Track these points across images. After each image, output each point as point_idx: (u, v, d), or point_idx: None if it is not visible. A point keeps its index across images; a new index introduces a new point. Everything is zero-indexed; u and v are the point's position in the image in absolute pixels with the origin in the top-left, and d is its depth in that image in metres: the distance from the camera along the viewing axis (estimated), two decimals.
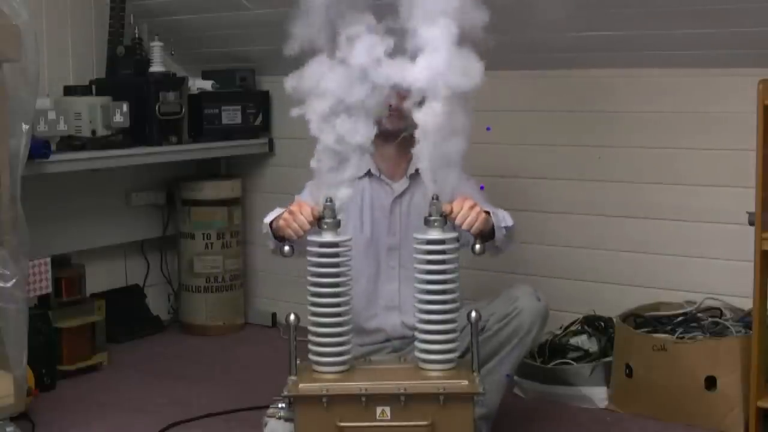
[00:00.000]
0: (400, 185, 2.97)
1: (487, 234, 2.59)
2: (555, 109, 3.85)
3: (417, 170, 2.84)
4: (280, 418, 2.53)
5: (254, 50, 4.34)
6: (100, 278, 4.26)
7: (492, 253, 2.78)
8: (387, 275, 2.96)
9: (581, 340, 3.62)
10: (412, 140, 2.83)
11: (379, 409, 2.41)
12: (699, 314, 3.46)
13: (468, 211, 2.49)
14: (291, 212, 2.54)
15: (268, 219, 2.79)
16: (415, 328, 2.52)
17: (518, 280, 2.92)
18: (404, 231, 2.91)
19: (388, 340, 2.97)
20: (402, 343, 2.93)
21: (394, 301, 2.95)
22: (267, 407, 3.11)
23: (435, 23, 2.36)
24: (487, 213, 2.60)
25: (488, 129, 3.73)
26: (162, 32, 4.26)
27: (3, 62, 2.95)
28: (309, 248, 2.49)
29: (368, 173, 2.95)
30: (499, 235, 2.68)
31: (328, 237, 2.48)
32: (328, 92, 2.41)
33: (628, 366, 3.36)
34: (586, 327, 3.68)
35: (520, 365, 3.03)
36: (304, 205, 2.53)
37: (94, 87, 4.08)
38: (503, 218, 2.73)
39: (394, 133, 2.86)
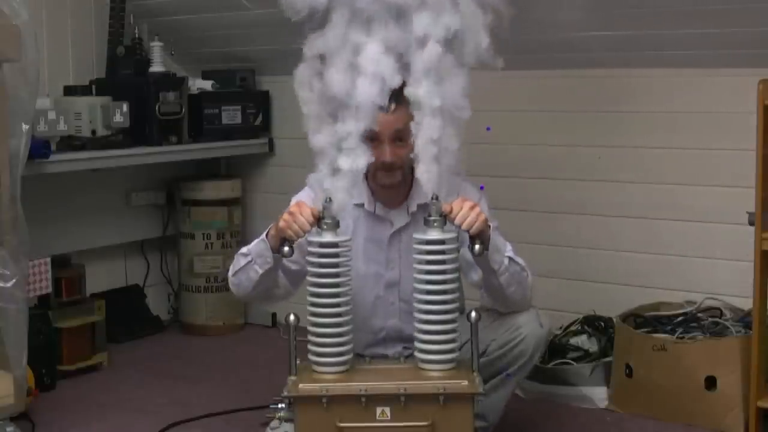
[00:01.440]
0: (400, 219, 2.83)
1: (487, 241, 2.56)
2: (555, 109, 3.85)
3: (419, 206, 2.78)
4: (280, 419, 2.53)
5: (254, 50, 4.34)
6: (100, 278, 4.26)
7: (498, 295, 2.71)
8: (386, 311, 2.87)
9: (581, 340, 3.62)
10: (410, 174, 2.80)
11: (379, 410, 2.41)
12: (699, 314, 3.47)
13: (468, 211, 2.48)
14: (291, 213, 2.52)
15: (248, 247, 2.72)
16: (416, 329, 2.51)
17: None
18: (405, 266, 2.77)
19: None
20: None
21: (395, 334, 2.88)
22: (267, 407, 3.13)
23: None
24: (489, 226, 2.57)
25: (488, 129, 3.73)
26: (162, 32, 4.26)
27: (3, 62, 2.95)
28: (309, 248, 2.49)
29: (362, 206, 2.82)
30: (498, 258, 2.60)
31: (327, 237, 2.48)
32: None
33: (628, 366, 3.36)
34: (586, 327, 3.68)
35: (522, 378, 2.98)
36: (304, 206, 2.52)
37: (94, 87, 4.08)
38: (510, 251, 2.65)
39: (391, 185, 2.78)
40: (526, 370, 2.83)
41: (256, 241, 2.70)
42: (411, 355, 2.62)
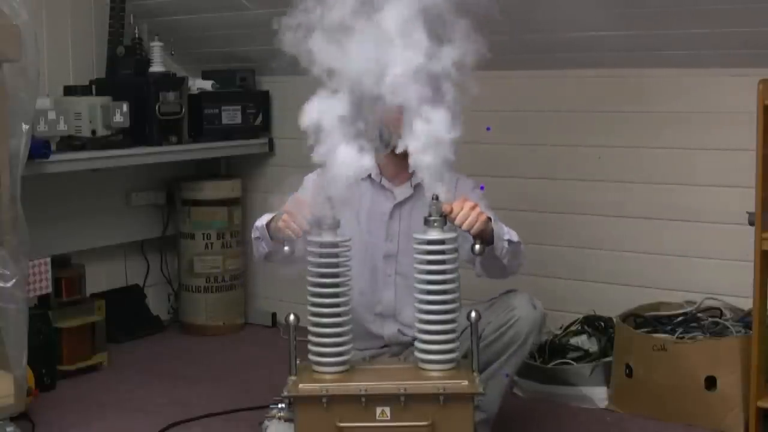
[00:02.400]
0: (403, 192, 2.91)
1: (487, 239, 2.57)
2: (555, 109, 3.85)
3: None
4: (279, 418, 2.53)
5: (254, 50, 4.34)
6: (100, 278, 4.26)
7: (497, 271, 2.74)
8: (383, 283, 2.91)
9: (581, 340, 3.62)
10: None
11: (378, 410, 2.41)
12: (699, 314, 3.47)
13: (468, 212, 2.49)
14: (289, 213, 2.53)
15: (261, 222, 2.77)
16: (415, 329, 2.51)
17: (518, 280, 2.91)
18: (404, 239, 2.84)
19: (386, 345, 2.94)
20: (400, 348, 2.91)
21: (390, 310, 2.91)
22: (267, 407, 3.12)
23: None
24: (489, 219, 2.58)
25: (488, 129, 3.73)
26: (162, 32, 4.27)
27: (3, 62, 2.95)
28: (309, 248, 2.49)
29: (369, 177, 2.88)
30: (501, 245, 2.64)
31: (327, 237, 2.48)
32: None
33: (628, 366, 3.36)
34: (586, 327, 3.68)
35: (519, 366, 3.00)
36: (304, 206, 2.53)
37: (94, 87, 4.08)
38: (507, 232, 2.68)
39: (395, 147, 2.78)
40: (523, 353, 2.84)
41: (263, 221, 2.75)
42: (410, 344, 2.62)
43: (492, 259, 2.67)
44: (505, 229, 2.69)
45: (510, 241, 2.68)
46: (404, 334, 2.87)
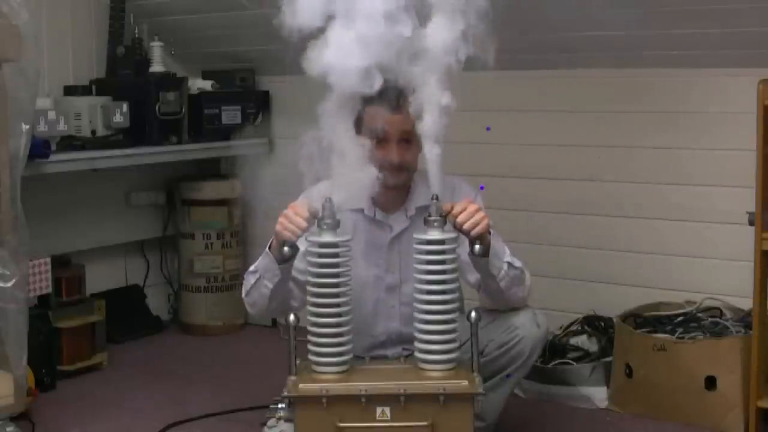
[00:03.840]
0: (399, 223, 2.83)
1: (486, 245, 2.55)
2: (555, 109, 3.85)
3: (417, 209, 2.79)
4: (280, 418, 2.53)
5: (254, 50, 4.34)
6: (100, 278, 4.26)
7: (496, 296, 2.72)
8: (386, 314, 2.86)
9: (581, 340, 3.62)
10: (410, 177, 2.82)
11: (379, 410, 2.41)
12: (699, 314, 3.47)
13: (474, 212, 2.48)
14: (285, 215, 2.52)
15: (254, 266, 2.71)
16: (416, 329, 2.51)
17: None
18: (405, 270, 2.77)
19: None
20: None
21: (395, 338, 2.87)
22: (267, 407, 3.12)
23: None
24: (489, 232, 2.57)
25: (488, 129, 3.73)
26: (162, 32, 4.26)
27: (3, 62, 2.95)
28: (309, 248, 2.49)
29: (361, 211, 2.81)
30: (498, 264, 2.61)
31: (327, 237, 2.48)
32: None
33: (628, 366, 3.36)
34: (586, 327, 3.68)
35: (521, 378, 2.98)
36: (298, 206, 2.51)
37: (94, 87, 4.08)
38: (510, 255, 2.65)
39: (396, 186, 2.78)
40: (525, 370, 2.84)
41: (261, 257, 2.69)
42: (410, 355, 2.62)
43: (490, 279, 2.65)
44: (507, 251, 2.66)
45: (511, 266, 2.65)
46: (407, 350, 2.84)
